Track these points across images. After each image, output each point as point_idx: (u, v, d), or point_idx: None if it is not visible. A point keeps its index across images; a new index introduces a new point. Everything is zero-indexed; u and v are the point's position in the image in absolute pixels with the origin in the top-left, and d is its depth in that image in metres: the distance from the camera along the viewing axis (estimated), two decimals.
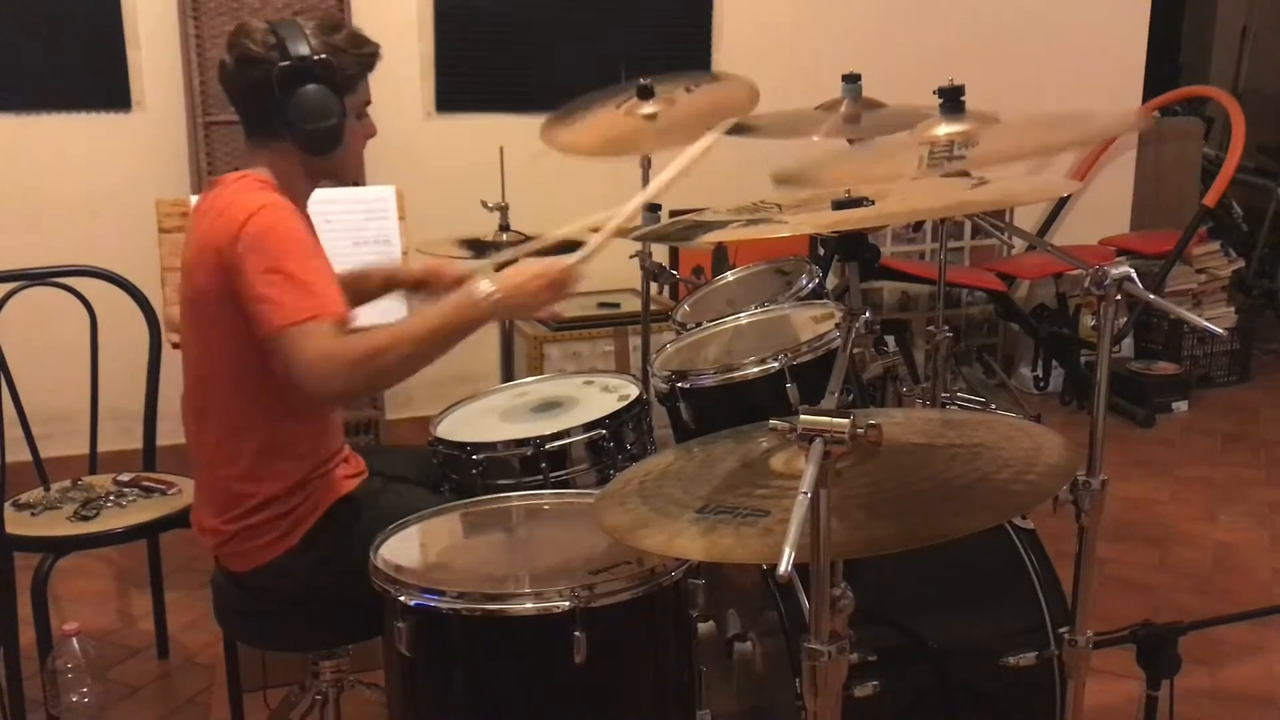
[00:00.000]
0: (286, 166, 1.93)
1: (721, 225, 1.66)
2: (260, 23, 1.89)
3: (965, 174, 1.77)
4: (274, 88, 1.85)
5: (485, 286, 1.81)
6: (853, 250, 2.15)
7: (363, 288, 2.19)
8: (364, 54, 1.93)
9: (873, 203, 1.62)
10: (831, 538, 1.22)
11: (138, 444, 2.78)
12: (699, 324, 2.47)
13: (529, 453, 2.05)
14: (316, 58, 1.85)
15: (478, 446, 2.08)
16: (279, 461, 1.91)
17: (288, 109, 1.86)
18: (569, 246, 2.03)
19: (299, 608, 1.96)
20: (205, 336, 1.89)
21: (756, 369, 2.06)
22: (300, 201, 2.00)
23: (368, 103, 1.98)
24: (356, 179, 2.07)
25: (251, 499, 1.91)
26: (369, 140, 2.03)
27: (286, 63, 1.84)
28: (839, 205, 1.62)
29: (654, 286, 3.29)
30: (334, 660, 2.11)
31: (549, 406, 2.28)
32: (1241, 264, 4.95)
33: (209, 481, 1.97)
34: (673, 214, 2.40)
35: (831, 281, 2.59)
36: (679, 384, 2.13)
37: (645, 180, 2.93)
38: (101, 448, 2.75)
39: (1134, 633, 2.09)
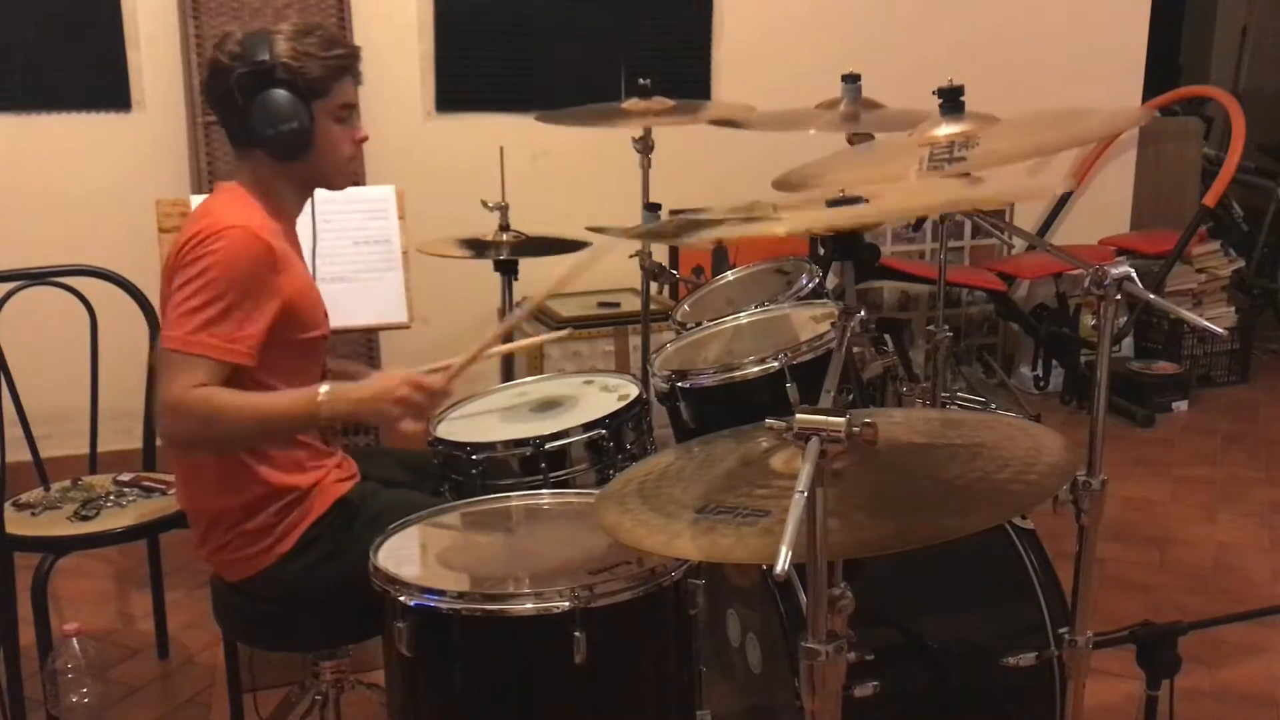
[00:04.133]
0: (267, 175, 1.93)
1: (717, 224, 1.66)
2: (239, 33, 1.91)
3: (965, 174, 1.77)
4: (236, 95, 1.87)
5: (324, 389, 1.83)
6: (849, 249, 2.14)
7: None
8: (331, 56, 1.91)
9: (867, 201, 1.62)
10: (831, 538, 1.22)
11: (138, 444, 2.78)
12: (699, 324, 2.47)
13: (528, 453, 2.05)
14: (278, 62, 1.86)
15: (477, 446, 2.08)
16: (264, 468, 1.91)
17: (251, 115, 1.87)
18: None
19: (298, 610, 1.96)
20: None
21: (756, 369, 2.06)
22: (289, 211, 2.00)
23: (350, 105, 1.96)
24: (354, 183, 2.05)
25: (239, 508, 1.90)
26: (365, 141, 2.02)
27: (245, 69, 1.86)
28: (834, 204, 1.62)
29: (654, 286, 3.29)
30: (334, 660, 2.12)
31: (549, 406, 2.28)
32: (1241, 264, 4.95)
33: (196, 494, 1.97)
34: (671, 213, 2.41)
35: (831, 281, 2.59)
36: (679, 384, 2.13)
37: (644, 180, 2.94)
38: (101, 448, 2.75)
39: (1134, 633, 2.08)
